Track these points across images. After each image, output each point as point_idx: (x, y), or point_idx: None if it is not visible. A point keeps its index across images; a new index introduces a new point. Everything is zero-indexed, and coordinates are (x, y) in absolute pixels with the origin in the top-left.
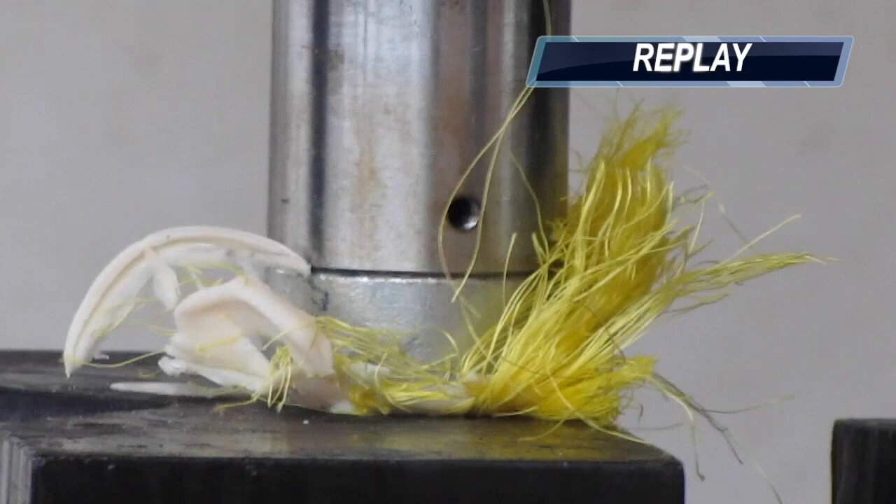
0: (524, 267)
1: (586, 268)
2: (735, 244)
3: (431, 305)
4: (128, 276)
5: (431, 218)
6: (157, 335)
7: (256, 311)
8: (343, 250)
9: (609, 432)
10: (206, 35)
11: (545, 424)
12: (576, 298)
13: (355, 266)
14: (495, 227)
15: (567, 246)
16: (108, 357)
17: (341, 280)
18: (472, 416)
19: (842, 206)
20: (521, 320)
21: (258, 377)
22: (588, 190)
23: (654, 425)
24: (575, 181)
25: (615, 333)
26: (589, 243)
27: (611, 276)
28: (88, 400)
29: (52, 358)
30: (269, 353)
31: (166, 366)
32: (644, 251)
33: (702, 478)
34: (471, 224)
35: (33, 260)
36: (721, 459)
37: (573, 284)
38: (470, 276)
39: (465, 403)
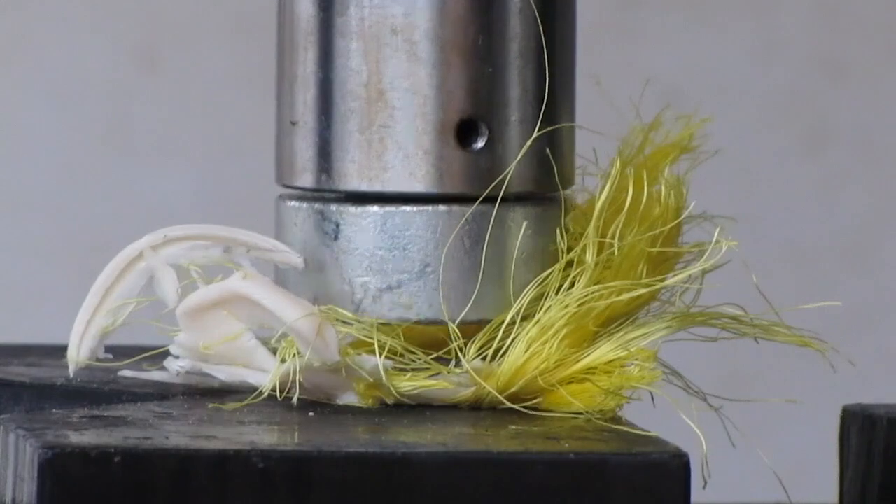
0: (533, 188)
1: (596, 265)
2: (750, 257)
3: (443, 232)
4: (128, 276)
5: (439, 138)
6: (160, 333)
7: (258, 305)
8: (352, 172)
9: (615, 425)
10: (207, 34)
11: (551, 416)
12: (582, 301)
13: (364, 188)
14: (504, 147)
15: (582, 235)
16: (111, 356)
17: (352, 209)
18: (478, 408)
19: (842, 206)
20: (529, 308)
21: (264, 372)
22: (602, 188)
23: (658, 414)
24: (588, 181)
25: (620, 343)
26: (601, 247)
27: (625, 297)
28: (93, 392)
29: (57, 351)
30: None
31: (171, 365)
32: (670, 282)
33: (705, 484)
34: (479, 145)
35: (32, 259)
36: (724, 455)
37: (582, 284)
38: (479, 198)
39: (469, 392)
